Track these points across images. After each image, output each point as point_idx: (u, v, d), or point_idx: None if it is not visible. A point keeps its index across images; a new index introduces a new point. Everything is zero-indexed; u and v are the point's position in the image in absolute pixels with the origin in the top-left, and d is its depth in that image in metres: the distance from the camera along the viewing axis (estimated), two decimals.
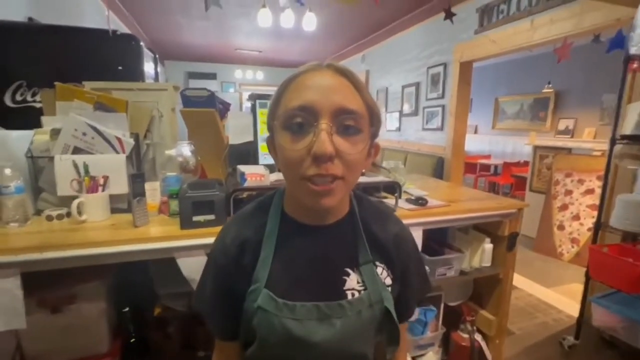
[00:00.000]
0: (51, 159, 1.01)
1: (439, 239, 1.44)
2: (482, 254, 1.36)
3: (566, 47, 1.97)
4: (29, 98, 1.50)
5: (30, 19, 1.98)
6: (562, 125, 5.43)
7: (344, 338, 0.49)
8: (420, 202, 1.23)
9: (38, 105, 1.52)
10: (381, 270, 0.53)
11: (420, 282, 0.60)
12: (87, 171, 1.01)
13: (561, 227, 3.44)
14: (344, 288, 0.50)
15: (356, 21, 4.15)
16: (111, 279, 1.07)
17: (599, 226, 1.78)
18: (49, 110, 1.09)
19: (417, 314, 1.41)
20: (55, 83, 1.07)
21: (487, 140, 6.81)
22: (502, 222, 1.33)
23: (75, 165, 0.99)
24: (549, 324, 2.21)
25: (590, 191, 3.33)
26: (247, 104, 7.14)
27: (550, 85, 5.19)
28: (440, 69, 3.44)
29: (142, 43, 1.62)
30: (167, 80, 4.94)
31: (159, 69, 2.10)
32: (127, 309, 1.15)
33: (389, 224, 0.56)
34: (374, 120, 0.48)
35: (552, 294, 2.61)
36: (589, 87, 4.75)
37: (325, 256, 0.51)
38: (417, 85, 3.87)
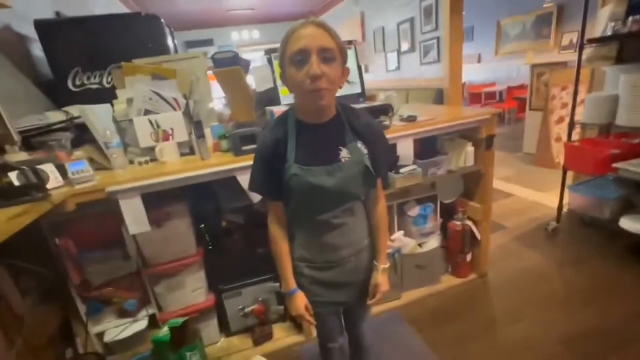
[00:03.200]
0: (130, 121, 1.38)
1: (431, 148, 1.77)
2: (466, 155, 1.70)
3: None
4: (85, 82, 1.84)
5: (57, 13, 2.25)
6: (565, 40, 5.34)
7: (342, 184, 0.85)
8: (410, 119, 1.56)
9: (94, 86, 1.86)
10: (360, 145, 0.87)
11: (386, 153, 0.96)
12: (158, 126, 1.37)
13: (558, 139, 3.68)
14: (340, 157, 0.85)
15: None
16: (190, 203, 1.49)
17: (572, 124, 2.05)
18: (119, 84, 1.43)
19: (418, 209, 1.80)
20: (122, 63, 1.40)
21: (491, 68, 6.77)
22: (479, 128, 1.64)
23: (151, 123, 1.36)
24: (538, 218, 2.59)
25: (584, 101, 3.50)
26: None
27: None
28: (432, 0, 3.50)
29: (162, 20, 1.89)
30: None
31: (174, 42, 2.36)
32: (202, 225, 1.59)
33: (362, 117, 0.90)
34: (343, 54, 0.80)
35: (545, 195, 2.96)
36: None
37: (325, 140, 0.86)
38: (412, 20, 3.94)
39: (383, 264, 0.98)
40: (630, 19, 1.76)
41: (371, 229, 1.01)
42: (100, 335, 1.47)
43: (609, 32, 1.86)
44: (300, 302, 0.94)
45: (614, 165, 1.79)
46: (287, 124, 0.86)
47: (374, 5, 4.80)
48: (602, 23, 1.93)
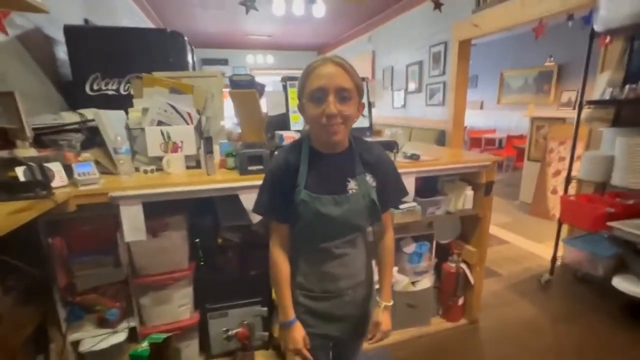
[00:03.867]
0: (142, 129, 1.41)
1: (432, 188, 1.80)
2: (465, 198, 1.73)
3: (541, 26, 2.25)
4: (103, 87, 1.89)
5: (86, 20, 2.35)
6: (564, 97, 5.59)
7: (349, 214, 0.86)
8: (413, 157, 1.60)
9: (110, 92, 1.92)
10: (369, 177, 0.90)
11: (396, 186, 0.97)
12: (169, 137, 1.40)
13: (554, 192, 3.74)
14: (347, 188, 0.87)
15: (363, 4, 4.37)
16: (188, 216, 1.49)
17: (569, 179, 2.11)
18: (137, 93, 1.47)
19: (414, 247, 1.80)
20: (143, 74, 1.45)
21: (492, 115, 7.00)
22: (480, 173, 1.68)
23: (162, 133, 1.39)
24: (532, 268, 2.58)
25: (580, 157, 3.60)
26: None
27: (552, 59, 5.34)
28: (441, 47, 3.69)
29: (186, 38, 1.98)
30: None
31: (194, 59, 2.46)
32: (197, 240, 1.57)
33: (374, 150, 0.93)
34: (360, 92, 0.83)
35: (540, 246, 2.97)
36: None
37: (336, 170, 0.88)
38: (420, 63, 4.13)
39: (387, 301, 0.96)
40: (627, 87, 1.86)
41: (377, 262, 1.00)
42: (75, 344, 1.41)
43: (607, 96, 1.96)
44: (298, 334, 0.90)
45: (609, 223, 1.82)
46: (301, 150, 0.89)
47: (386, 46, 5.04)
48: (601, 87, 2.04)
